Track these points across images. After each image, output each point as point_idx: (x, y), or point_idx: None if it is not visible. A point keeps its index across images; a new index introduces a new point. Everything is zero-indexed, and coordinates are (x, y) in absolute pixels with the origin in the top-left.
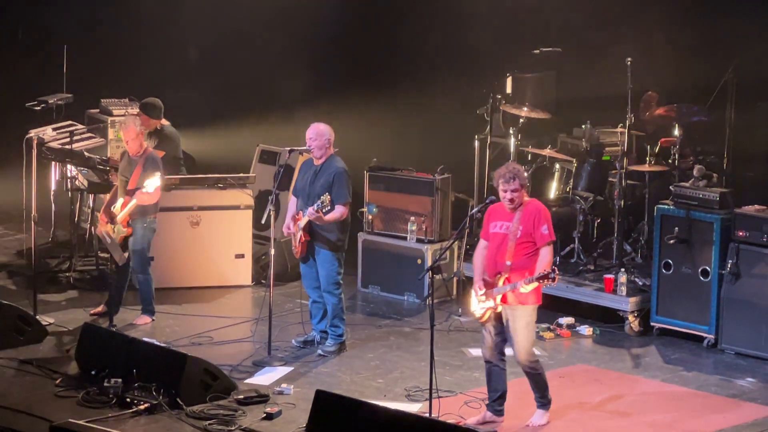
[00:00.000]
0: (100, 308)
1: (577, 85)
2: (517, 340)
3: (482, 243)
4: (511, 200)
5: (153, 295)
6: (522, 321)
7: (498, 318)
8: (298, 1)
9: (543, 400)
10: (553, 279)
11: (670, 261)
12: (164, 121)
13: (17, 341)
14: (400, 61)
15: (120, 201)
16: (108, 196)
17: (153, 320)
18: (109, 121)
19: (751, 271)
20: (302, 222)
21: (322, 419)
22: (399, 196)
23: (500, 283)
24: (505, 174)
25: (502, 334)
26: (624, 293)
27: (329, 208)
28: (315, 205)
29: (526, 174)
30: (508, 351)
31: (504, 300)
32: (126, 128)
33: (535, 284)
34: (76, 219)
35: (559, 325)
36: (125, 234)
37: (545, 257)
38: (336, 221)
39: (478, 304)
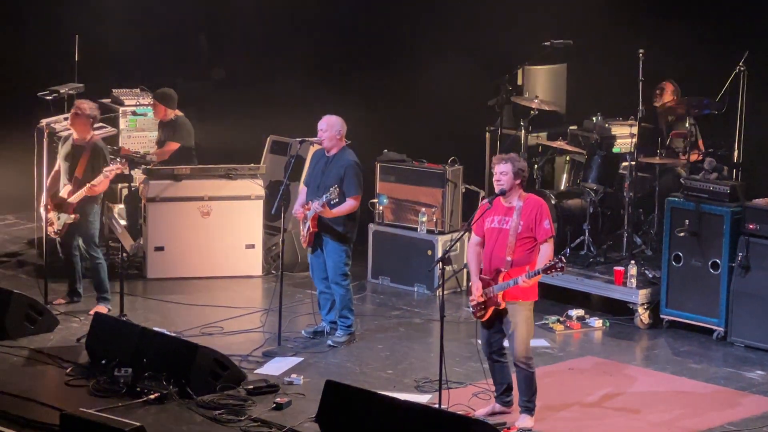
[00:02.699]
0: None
1: (588, 77)
2: (516, 334)
3: (475, 239)
4: (498, 180)
5: (108, 282)
6: (521, 315)
7: (497, 314)
8: None
9: (529, 405)
10: (561, 268)
11: (680, 253)
12: (177, 112)
13: (28, 330)
14: (411, 52)
15: (66, 188)
16: (49, 180)
17: (109, 309)
18: (120, 111)
19: (761, 264)
20: (310, 213)
21: (331, 410)
22: (410, 188)
23: (500, 279)
24: (500, 156)
25: (501, 330)
26: (634, 285)
27: (337, 200)
28: (323, 197)
29: (524, 166)
30: (506, 343)
31: (505, 295)
32: (74, 115)
33: (540, 276)
34: None
35: (569, 317)
36: (71, 221)
37: (546, 252)
38: (345, 214)
39: (476, 301)
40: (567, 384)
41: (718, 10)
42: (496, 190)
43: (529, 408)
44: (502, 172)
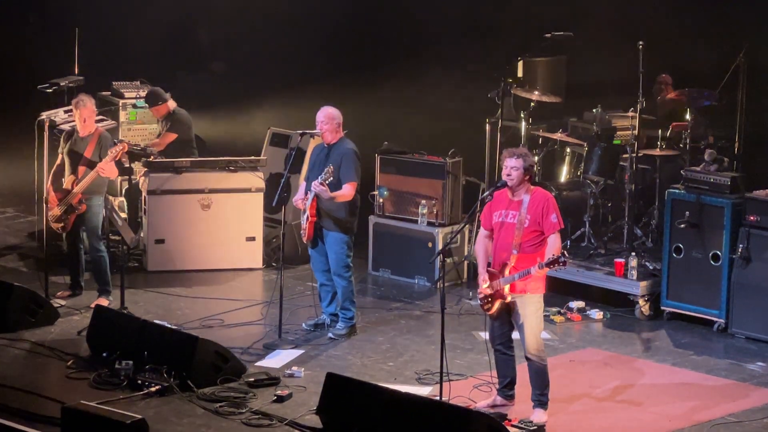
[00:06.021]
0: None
1: (588, 69)
2: (525, 327)
3: (483, 232)
4: (509, 175)
5: (109, 275)
6: (530, 308)
7: (505, 307)
8: None
9: (542, 398)
10: (564, 263)
11: (680, 245)
12: (174, 104)
13: (29, 323)
14: (411, 44)
15: (70, 178)
16: (51, 176)
17: (110, 302)
18: (120, 104)
19: (761, 255)
20: (309, 199)
21: (332, 402)
22: (410, 180)
23: (507, 272)
24: (512, 150)
25: (509, 323)
26: (634, 277)
27: (332, 179)
28: (320, 176)
29: (534, 162)
30: (514, 335)
31: (512, 289)
32: (84, 107)
33: (545, 269)
34: None
35: (570, 309)
36: (79, 212)
37: (554, 243)
38: (344, 201)
39: (483, 294)
40: (569, 376)
41: (719, 2)
42: (508, 183)
43: (542, 402)
44: (513, 166)
